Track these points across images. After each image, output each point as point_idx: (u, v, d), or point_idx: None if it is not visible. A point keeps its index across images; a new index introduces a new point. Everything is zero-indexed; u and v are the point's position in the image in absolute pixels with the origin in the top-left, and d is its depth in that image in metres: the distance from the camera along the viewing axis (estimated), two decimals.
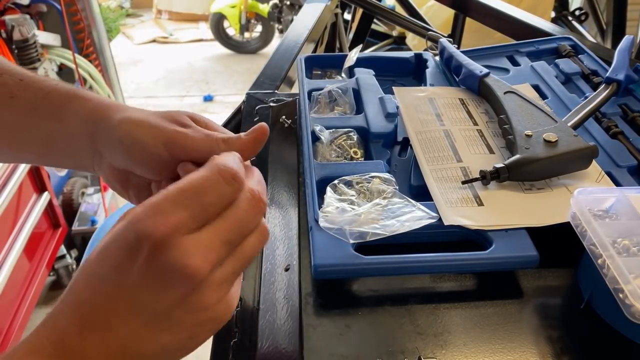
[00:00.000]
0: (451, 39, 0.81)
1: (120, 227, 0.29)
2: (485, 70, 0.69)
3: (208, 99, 3.67)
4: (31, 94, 0.40)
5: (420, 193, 0.56)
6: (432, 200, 0.53)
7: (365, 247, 0.48)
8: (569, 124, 0.60)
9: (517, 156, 0.55)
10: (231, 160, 0.31)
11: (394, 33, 2.24)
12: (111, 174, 0.41)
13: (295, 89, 0.89)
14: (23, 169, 1.59)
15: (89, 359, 0.28)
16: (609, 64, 0.77)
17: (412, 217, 0.50)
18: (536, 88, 0.73)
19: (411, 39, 2.17)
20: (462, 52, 0.82)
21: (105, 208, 2.07)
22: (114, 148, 0.39)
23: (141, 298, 0.28)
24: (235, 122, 0.81)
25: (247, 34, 4.29)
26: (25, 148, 0.43)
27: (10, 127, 0.41)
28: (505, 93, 0.65)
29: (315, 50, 1.21)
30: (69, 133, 0.40)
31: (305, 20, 1.16)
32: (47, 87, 0.41)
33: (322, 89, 0.71)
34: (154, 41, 4.67)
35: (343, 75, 0.79)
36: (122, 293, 0.28)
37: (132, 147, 0.37)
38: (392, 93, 0.70)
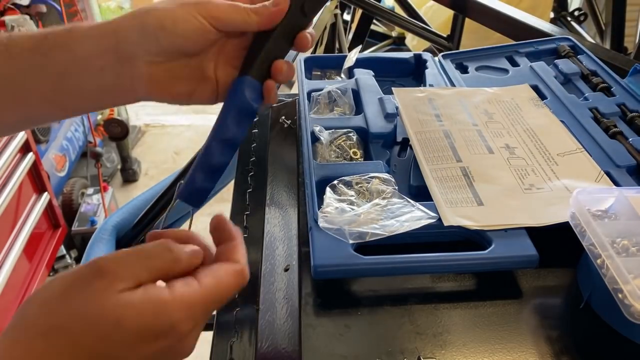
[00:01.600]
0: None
1: (150, 318, 0.30)
2: None
3: None
4: (26, 38, 0.39)
5: (419, 193, 0.56)
6: (432, 201, 0.53)
7: (365, 247, 0.48)
8: None
9: None
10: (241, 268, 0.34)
11: (394, 34, 2.24)
12: (154, 73, 0.40)
13: (295, 90, 0.89)
14: (23, 169, 1.59)
15: None
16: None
17: (411, 217, 0.50)
18: (535, 88, 0.73)
19: (410, 39, 2.17)
20: (462, 52, 0.83)
21: (105, 208, 2.07)
22: (155, 39, 0.39)
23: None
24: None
25: None
26: (34, 94, 0.40)
27: (10, 77, 0.39)
28: None
29: (314, 51, 1.21)
30: (83, 57, 0.39)
31: None
32: (42, 31, 0.39)
33: (321, 89, 0.71)
34: None
35: (342, 75, 0.79)
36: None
37: (176, 27, 0.38)
38: (392, 93, 0.70)
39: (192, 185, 0.41)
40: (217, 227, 0.37)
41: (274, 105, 0.79)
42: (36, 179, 1.70)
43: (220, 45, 0.42)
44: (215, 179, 0.42)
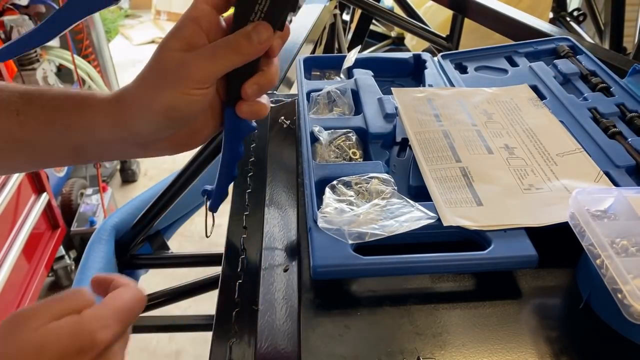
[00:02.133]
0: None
1: (68, 338, 0.31)
2: None
3: None
4: (38, 108, 0.40)
5: (419, 193, 0.56)
6: (431, 201, 0.53)
7: (364, 247, 0.48)
8: None
9: None
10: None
11: (393, 34, 2.24)
12: (173, 142, 0.43)
13: (294, 90, 0.89)
14: None
15: None
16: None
17: (410, 217, 0.50)
18: (534, 89, 0.73)
19: (410, 39, 2.17)
20: (461, 52, 0.83)
21: (104, 209, 2.06)
22: (167, 126, 0.40)
23: None
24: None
25: None
26: (53, 159, 0.43)
27: (26, 143, 0.41)
28: None
29: (314, 51, 1.21)
30: (101, 141, 0.41)
31: (304, 21, 1.16)
32: (52, 100, 0.40)
33: (321, 89, 0.71)
34: (153, 42, 4.66)
35: (342, 76, 0.79)
36: None
37: (182, 113, 0.39)
38: (391, 94, 0.70)
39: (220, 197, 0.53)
40: (99, 284, 0.39)
41: (273, 105, 0.79)
42: (35, 180, 1.70)
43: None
44: (232, 179, 0.52)
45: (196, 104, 0.39)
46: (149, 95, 0.39)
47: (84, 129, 0.40)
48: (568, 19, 1.83)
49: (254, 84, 0.42)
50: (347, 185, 0.54)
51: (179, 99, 0.38)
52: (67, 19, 0.40)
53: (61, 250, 1.90)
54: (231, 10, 0.41)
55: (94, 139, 0.41)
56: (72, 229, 1.97)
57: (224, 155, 0.49)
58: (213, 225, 0.58)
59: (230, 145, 0.48)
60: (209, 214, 0.57)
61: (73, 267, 1.95)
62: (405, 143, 0.64)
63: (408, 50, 1.69)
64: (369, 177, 0.55)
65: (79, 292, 0.35)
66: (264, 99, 0.45)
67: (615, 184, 0.57)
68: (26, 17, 1.92)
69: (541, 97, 0.72)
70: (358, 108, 0.70)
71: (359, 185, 0.54)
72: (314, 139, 0.62)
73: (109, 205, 2.12)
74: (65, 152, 0.42)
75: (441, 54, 0.82)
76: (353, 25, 1.70)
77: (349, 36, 1.67)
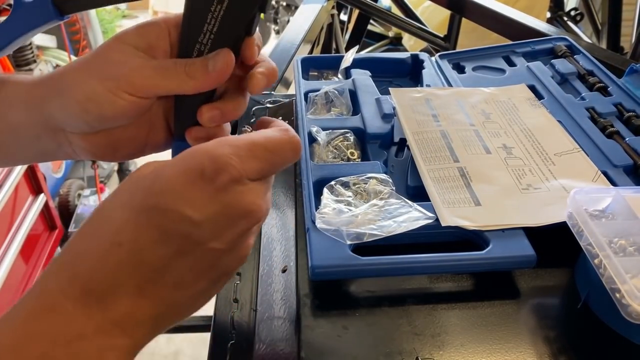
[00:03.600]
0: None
1: (187, 157, 0.28)
2: None
3: None
4: None
5: (417, 193, 0.56)
6: (430, 201, 0.53)
7: (363, 248, 0.48)
8: None
9: None
10: (293, 131, 0.33)
11: (390, 34, 2.24)
12: (92, 142, 0.37)
13: (292, 90, 0.89)
14: (19, 170, 1.59)
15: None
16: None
17: (409, 217, 0.50)
18: (532, 88, 0.73)
19: (407, 39, 2.17)
20: (459, 52, 0.83)
21: None
22: (81, 120, 0.35)
23: (207, 231, 0.28)
24: (232, 123, 0.81)
25: None
26: None
27: None
28: None
29: (311, 51, 1.21)
30: (16, 126, 0.37)
31: (301, 21, 1.16)
32: None
33: (318, 90, 0.71)
34: None
35: (339, 76, 0.79)
36: (186, 225, 0.27)
37: (101, 109, 0.34)
38: (389, 94, 0.70)
39: None
40: (260, 124, 0.35)
41: (271, 106, 0.79)
42: (32, 181, 1.70)
43: (159, 99, 0.37)
44: None
45: (121, 108, 0.34)
46: (75, 78, 0.35)
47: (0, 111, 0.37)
48: (565, 18, 1.83)
49: (215, 109, 0.36)
50: (345, 185, 0.54)
51: (104, 95, 0.34)
52: (8, 34, 0.38)
53: (58, 252, 1.89)
54: None
55: (8, 122, 0.37)
56: (69, 230, 1.96)
57: None
58: None
59: None
60: None
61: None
62: (403, 143, 0.64)
63: (406, 50, 1.69)
64: (367, 178, 0.54)
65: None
66: (226, 126, 0.39)
67: (613, 184, 0.57)
68: None
69: (539, 96, 0.72)
70: (356, 108, 0.70)
71: (357, 186, 0.54)
72: (312, 139, 0.62)
73: None
74: None
75: (439, 54, 0.82)
76: (351, 26, 1.70)
77: (347, 36, 1.67)
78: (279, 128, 0.32)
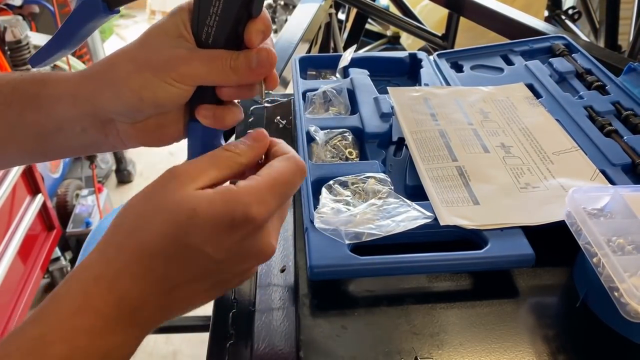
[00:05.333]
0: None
1: (220, 203, 0.32)
2: None
3: None
4: None
5: (415, 193, 0.56)
6: (428, 200, 0.53)
7: (361, 247, 0.48)
8: None
9: None
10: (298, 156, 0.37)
11: (388, 33, 2.24)
12: (140, 129, 0.39)
13: (290, 90, 0.89)
14: (16, 170, 1.58)
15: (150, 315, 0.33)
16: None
17: (407, 217, 0.50)
18: (530, 87, 0.73)
19: (405, 38, 2.17)
20: (457, 51, 0.83)
21: (100, 210, 2.06)
22: (135, 109, 0.37)
23: (223, 267, 0.33)
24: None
25: None
26: (15, 148, 0.41)
27: None
28: None
29: (309, 51, 1.21)
30: (61, 120, 0.39)
31: (299, 20, 1.16)
32: (9, 81, 0.39)
33: (316, 89, 0.71)
34: None
35: (337, 75, 0.79)
36: (206, 261, 0.32)
37: (156, 96, 0.37)
38: (387, 93, 0.70)
39: None
40: (256, 139, 0.37)
41: (269, 105, 0.79)
42: (30, 181, 1.69)
43: None
44: None
45: (174, 95, 0.37)
46: (128, 69, 0.37)
47: (42, 106, 0.38)
48: (563, 17, 1.84)
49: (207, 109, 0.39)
50: (344, 185, 0.54)
51: (158, 84, 0.36)
52: (69, 31, 0.41)
53: (57, 252, 1.89)
54: None
55: (53, 118, 0.38)
56: (67, 230, 1.96)
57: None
58: None
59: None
60: None
61: (69, 269, 1.94)
62: (401, 142, 0.64)
63: (404, 49, 1.69)
64: (366, 177, 0.54)
65: (235, 155, 0.35)
66: (236, 105, 0.41)
67: (612, 182, 0.57)
68: (20, 17, 1.91)
69: (537, 95, 0.72)
70: (354, 108, 0.69)
71: (355, 185, 0.54)
72: (310, 138, 0.62)
73: (104, 206, 2.11)
74: (26, 138, 0.40)
75: (437, 52, 0.82)
76: (349, 25, 1.70)
77: (345, 35, 1.66)
78: (286, 157, 0.36)
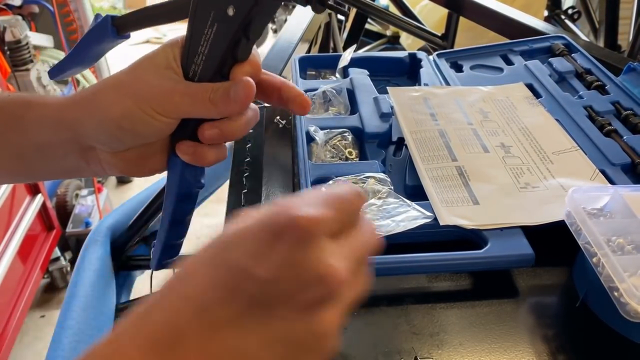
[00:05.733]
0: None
1: (263, 216, 0.26)
2: None
3: None
4: None
5: (415, 193, 0.56)
6: (428, 200, 0.53)
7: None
8: None
9: None
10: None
11: (388, 33, 2.24)
12: (122, 158, 0.39)
13: None
14: None
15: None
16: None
17: (407, 217, 0.50)
18: (530, 87, 0.73)
19: (405, 38, 2.17)
20: (456, 51, 0.83)
21: (100, 210, 2.06)
22: (114, 138, 0.37)
23: (271, 294, 0.25)
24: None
25: None
26: None
27: None
28: None
29: (309, 50, 1.21)
30: (42, 144, 0.38)
31: (299, 20, 1.16)
32: None
33: (316, 89, 0.71)
34: (147, 42, 4.65)
35: (337, 75, 0.79)
36: (252, 286, 0.25)
37: (135, 128, 0.36)
38: (387, 93, 0.70)
39: (163, 248, 0.43)
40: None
41: (269, 105, 0.79)
42: None
43: None
44: (183, 233, 0.43)
45: (153, 127, 0.36)
46: (110, 97, 0.36)
47: (25, 129, 0.38)
48: (563, 17, 1.83)
49: (215, 128, 0.38)
50: None
51: (138, 115, 0.36)
52: (82, 51, 0.43)
53: (56, 252, 1.89)
54: None
55: (36, 142, 0.38)
56: (67, 230, 1.96)
57: (164, 211, 0.42)
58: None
59: (170, 201, 0.41)
60: (155, 273, 0.47)
61: (69, 269, 1.94)
62: (401, 142, 0.64)
63: (403, 49, 1.69)
64: (365, 177, 0.54)
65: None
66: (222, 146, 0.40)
67: (611, 182, 0.57)
68: (19, 17, 1.91)
69: (537, 95, 0.72)
70: (354, 107, 0.69)
71: (355, 185, 0.54)
72: (310, 138, 0.62)
73: (104, 206, 2.11)
74: (8, 159, 0.40)
75: (437, 52, 0.82)
76: (348, 25, 1.70)
77: (344, 35, 1.66)
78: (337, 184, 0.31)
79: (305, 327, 0.26)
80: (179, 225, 0.43)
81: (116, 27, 0.41)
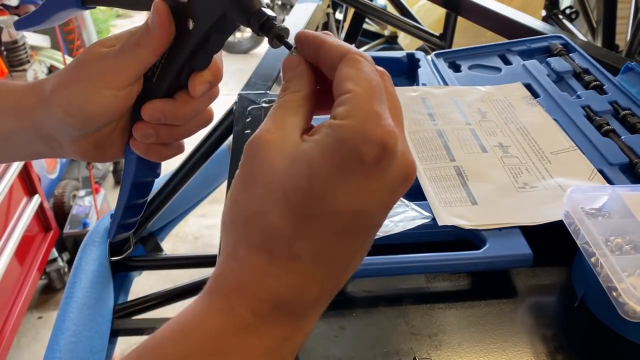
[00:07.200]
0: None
1: (337, 147, 0.25)
2: None
3: None
4: None
5: (414, 193, 0.56)
6: (426, 200, 0.53)
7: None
8: None
9: None
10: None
11: (386, 32, 2.24)
12: (82, 145, 0.39)
13: None
14: (13, 171, 1.58)
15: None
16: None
17: (405, 217, 0.50)
18: (528, 87, 0.73)
19: (403, 38, 2.17)
20: (454, 51, 0.83)
21: (97, 210, 2.05)
22: (67, 125, 0.37)
23: (378, 215, 0.27)
24: (227, 123, 0.80)
25: (238, 34, 4.28)
26: None
27: None
28: None
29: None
30: (6, 131, 0.39)
31: (297, 20, 1.16)
32: None
33: None
34: None
35: None
36: (358, 218, 0.26)
37: (83, 111, 0.36)
38: None
39: (118, 225, 0.43)
40: (290, 67, 0.30)
41: (267, 105, 0.79)
42: (27, 181, 1.69)
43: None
44: (138, 213, 0.44)
45: (101, 106, 0.36)
46: (56, 86, 0.37)
47: None
48: (560, 16, 1.84)
49: (155, 109, 0.36)
50: None
51: (83, 96, 0.35)
52: (44, 13, 0.42)
53: (54, 253, 1.88)
54: None
55: (1, 129, 0.39)
56: (64, 231, 1.95)
57: (120, 194, 0.42)
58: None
59: (125, 188, 0.41)
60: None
61: (66, 270, 1.93)
62: None
63: (401, 49, 1.69)
64: None
65: (295, 95, 0.28)
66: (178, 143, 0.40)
67: (609, 182, 0.57)
68: (16, 17, 1.91)
69: (535, 95, 0.72)
70: None
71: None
72: None
73: (101, 207, 2.10)
74: None
75: (435, 52, 0.82)
76: (346, 24, 1.70)
77: (342, 35, 1.66)
78: (346, 58, 0.28)
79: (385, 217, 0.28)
80: (135, 208, 0.43)
81: None
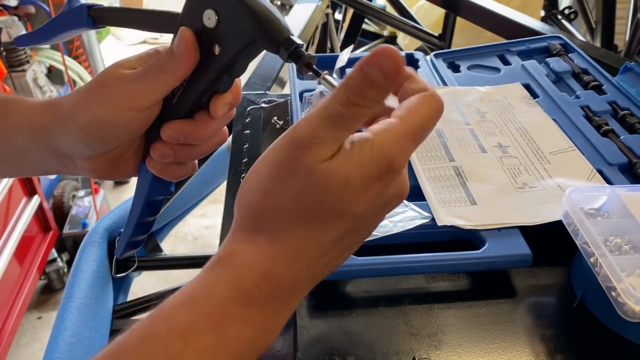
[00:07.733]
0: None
1: (370, 163, 0.29)
2: None
3: None
4: None
5: (413, 193, 0.56)
6: (425, 200, 0.53)
7: (359, 248, 0.48)
8: None
9: None
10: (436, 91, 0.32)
11: (385, 33, 2.24)
12: (97, 163, 0.39)
13: (287, 90, 0.89)
14: None
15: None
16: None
17: (405, 217, 0.50)
18: (527, 87, 0.73)
19: (402, 38, 2.17)
20: (453, 51, 0.83)
21: (97, 211, 2.05)
22: (85, 145, 0.37)
23: (371, 220, 0.33)
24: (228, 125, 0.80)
25: None
26: None
27: None
28: None
29: (306, 51, 1.21)
30: (20, 149, 0.39)
31: (296, 21, 1.16)
32: None
33: (313, 89, 0.71)
34: (144, 42, 4.64)
35: (334, 75, 0.79)
36: (355, 220, 0.31)
37: (103, 132, 0.36)
38: None
39: (127, 243, 0.44)
40: (391, 71, 0.30)
41: (266, 105, 0.79)
42: (26, 182, 1.69)
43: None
44: (147, 230, 0.44)
45: (121, 127, 0.37)
46: (76, 106, 0.37)
47: (3, 133, 0.39)
48: (559, 17, 1.84)
49: (176, 129, 0.37)
50: None
51: (104, 117, 0.36)
52: (53, 30, 0.43)
53: (53, 253, 1.88)
54: None
55: (14, 146, 0.39)
56: (64, 231, 1.95)
57: (131, 211, 0.43)
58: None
59: (137, 205, 0.42)
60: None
61: (65, 270, 1.93)
62: None
63: (400, 49, 1.68)
64: None
65: (360, 110, 0.30)
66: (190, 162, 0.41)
67: (608, 182, 0.57)
68: (15, 18, 1.90)
69: (534, 95, 0.72)
70: None
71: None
72: None
73: (101, 207, 2.10)
74: None
75: (434, 52, 0.82)
76: (345, 25, 1.70)
77: (342, 35, 1.66)
78: (427, 97, 0.31)
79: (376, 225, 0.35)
80: (145, 225, 0.44)
81: (93, 18, 0.40)
